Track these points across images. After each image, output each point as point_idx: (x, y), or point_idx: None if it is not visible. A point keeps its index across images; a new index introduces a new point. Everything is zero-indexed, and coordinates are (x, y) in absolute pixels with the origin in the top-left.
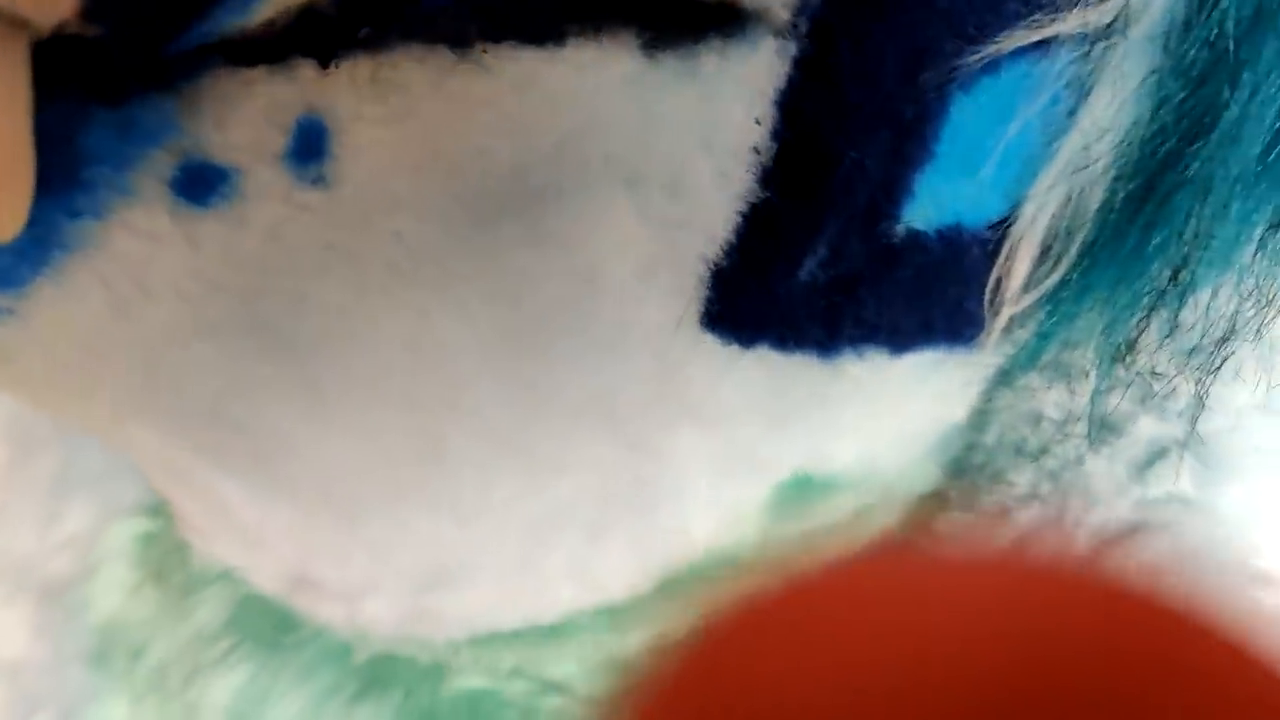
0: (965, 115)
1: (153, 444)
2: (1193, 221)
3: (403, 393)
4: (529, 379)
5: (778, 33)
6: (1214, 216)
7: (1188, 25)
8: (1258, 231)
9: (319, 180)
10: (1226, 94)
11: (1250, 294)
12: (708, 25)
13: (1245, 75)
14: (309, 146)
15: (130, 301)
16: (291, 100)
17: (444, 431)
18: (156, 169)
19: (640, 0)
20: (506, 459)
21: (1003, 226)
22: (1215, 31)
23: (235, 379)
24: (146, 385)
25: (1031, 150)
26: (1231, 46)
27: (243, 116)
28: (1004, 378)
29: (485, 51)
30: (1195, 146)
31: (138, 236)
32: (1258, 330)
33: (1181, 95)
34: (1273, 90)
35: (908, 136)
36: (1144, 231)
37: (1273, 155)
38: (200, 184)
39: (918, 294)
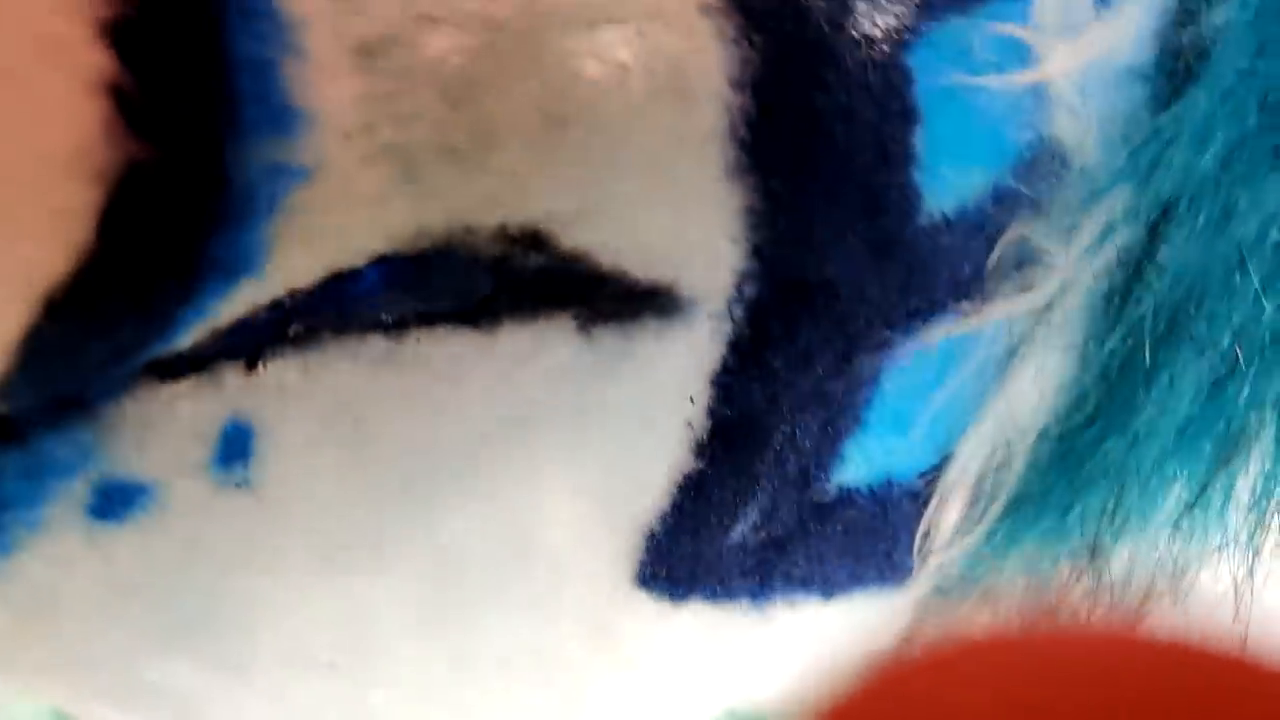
0: (895, 385)
1: (59, 698)
2: (1110, 503)
3: (325, 661)
4: (456, 642)
5: (712, 315)
6: (1130, 501)
7: (1106, 328)
8: (1170, 513)
9: (243, 483)
10: (1141, 395)
11: (1165, 565)
12: (644, 308)
13: (1160, 378)
14: (234, 451)
15: (37, 616)
16: (217, 410)
17: (367, 693)
18: (71, 499)
19: (576, 285)
20: (431, 715)
21: (933, 476)
22: (1131, 337)
23: (149, 658)
24: (53, 666)
25: (961, 408)
26: (1147, 352)
27: (165, 433)
28: (933, 603)
29: (420, 340)
30: (1109, 442)
31: (47, 563)
32: (1173, 594)
33: (1098, 394)
34: (1185, 387)
35: (839, 411)
36: (1063, 509)
37: (1184, 439)
38: (117, 502)
39: (849, 547)
